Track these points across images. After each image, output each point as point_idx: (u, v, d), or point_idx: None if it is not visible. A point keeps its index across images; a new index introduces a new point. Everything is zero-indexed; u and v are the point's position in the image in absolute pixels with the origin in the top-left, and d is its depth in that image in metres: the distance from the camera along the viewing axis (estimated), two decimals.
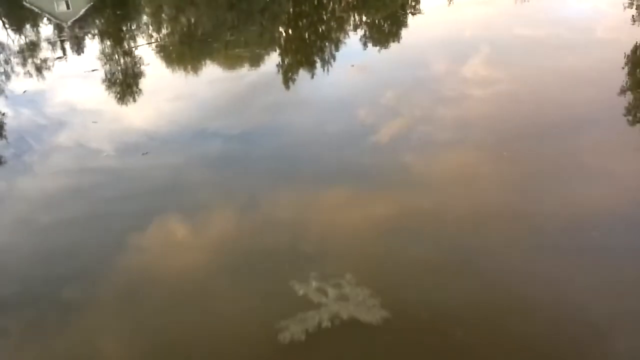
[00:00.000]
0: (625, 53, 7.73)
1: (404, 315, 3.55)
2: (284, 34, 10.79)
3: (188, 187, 5.29)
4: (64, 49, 10.71)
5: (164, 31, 11.90)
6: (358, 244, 4.29)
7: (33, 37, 11.96)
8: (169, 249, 4.44)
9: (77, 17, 13.21)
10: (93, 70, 8.93)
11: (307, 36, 10.47)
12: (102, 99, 7.86)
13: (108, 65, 9.37)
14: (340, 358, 3.35)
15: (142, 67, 9.20)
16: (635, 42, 8.08)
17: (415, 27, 10.48)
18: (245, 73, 8.58)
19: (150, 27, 12.17)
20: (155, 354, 3.50)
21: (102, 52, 10.26)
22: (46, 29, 12.80)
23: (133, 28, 12.32)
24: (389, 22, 10.95)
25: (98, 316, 3.79)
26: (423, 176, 5.16)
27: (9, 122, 7.14)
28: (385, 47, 9.35)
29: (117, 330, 3.69)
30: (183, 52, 10.03)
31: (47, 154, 6.18)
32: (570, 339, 3.34)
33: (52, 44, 11.14)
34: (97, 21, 13.19)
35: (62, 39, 11.39)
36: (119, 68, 9.32)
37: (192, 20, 12.18)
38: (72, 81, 8.95)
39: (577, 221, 4.36)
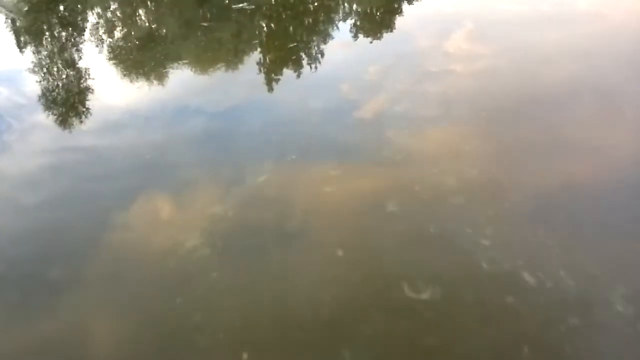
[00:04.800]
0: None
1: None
2: (265, 29, 9.77)
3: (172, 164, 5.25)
4: None
5: (117, 34, 9.98)
6: (343, 220, 4.32)
7: None
8: (154, 227, 4.43)
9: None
10: None
11: (291, 30, 9.66)
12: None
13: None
14: None
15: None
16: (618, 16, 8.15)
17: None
18: (219, 81, 7.50)
19: (101, 29, 10.15)
20: (141, 332, 3.52)
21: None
22: None
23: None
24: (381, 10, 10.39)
25: (84, 296, 3.79)
26: (407, 152, 5.18)
27: None
28: (377, 37, 8.85)
29: (103, 310, 3.70)
30: (141, 60, 8.49)
31: (27, 132, 6.07)
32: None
33: None
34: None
35: None
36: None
37: (152, 19, 10.57)
38: None
39: (557, 195, 4.44)
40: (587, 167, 4.76)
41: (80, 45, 8.94)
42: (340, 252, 3.97)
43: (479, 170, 4.84)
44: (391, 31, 8.79)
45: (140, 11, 10.90)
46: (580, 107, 5.75)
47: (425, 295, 3.56)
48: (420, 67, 7.01)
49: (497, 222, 4.18)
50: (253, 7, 9.43)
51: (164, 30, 9.77)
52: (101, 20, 10.42)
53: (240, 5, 9.40)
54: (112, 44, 9.09)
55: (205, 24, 8.95)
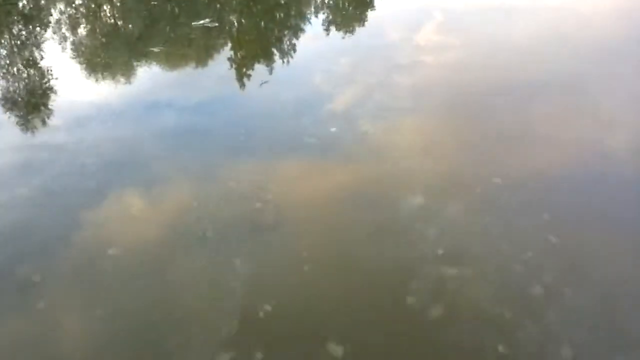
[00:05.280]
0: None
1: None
2: (235, 24, 9.65)
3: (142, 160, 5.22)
4: None
5: (81, 32, 9.57)
6: (316, 214, 4.34)
7: None
8: (125, 224, 4.37)
9: None
10: None
11: (263, 25, 9.56)
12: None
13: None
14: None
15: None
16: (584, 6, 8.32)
17: None
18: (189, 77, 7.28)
19: (63, 27, 9.73)
20: (114, 328, 3.50)
21: None
22: None
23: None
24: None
25: (56, 294, 3.75)
26: (378, 144, 5.20)
27: None
28: (349, 30, 8.90)
29: (76, 307, 3.64)
30: (107, 60, 8.19)
31: None
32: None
33: None
34: None
35: None
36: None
37: (118, 16, 10.20)
38: None
39: (523, 184, 4.51)
40: (553, 156, 4.86)
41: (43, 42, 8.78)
42: (306, 251, 4.01)
43: (447, 160, 4.89)
44: (362, 24, 8.85)
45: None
46: (547, 97, 5.87)
47: None
48: (391, 59, 7.07)
49: (465, 213, 4.28)
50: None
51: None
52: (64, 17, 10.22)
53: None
54: (77, 41, 8.94)
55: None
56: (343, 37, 8.26)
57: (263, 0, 10.21)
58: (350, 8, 9.77)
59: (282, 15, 9.67)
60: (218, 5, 9.92)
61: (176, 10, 9.75)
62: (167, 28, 9.18)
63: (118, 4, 10.63)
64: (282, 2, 10.25)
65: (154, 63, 7.69)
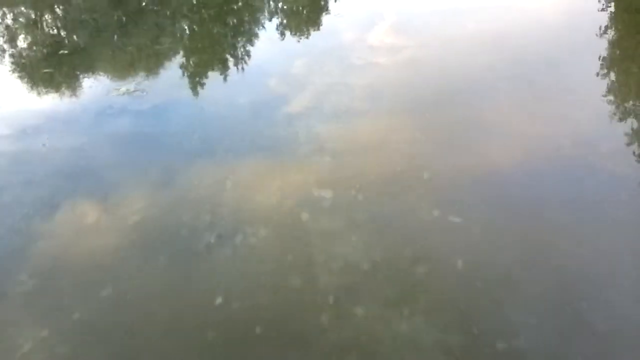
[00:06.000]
0: None
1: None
2: (187, 31, 9.37)
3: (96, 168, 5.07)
4: None
5: (20, 44, 8.90)
6: (274, 217, 4.31)
7: None
8: (81, 234, 4.23)
9: None
10: None
11: (215, 30, 9.30)
12: None
13: None
14: None
15: None
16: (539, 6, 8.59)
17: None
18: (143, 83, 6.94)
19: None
20: (73, 339, 3.39)
21: None
22: None
23: None
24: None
25: (10, 309, 3.60)
26: (336, 145, 5.20)
27: None
28: (305, 35, 8.74)
29: (32, 320, 3.52)
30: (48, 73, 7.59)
31: None
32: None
33: None
34: None
35: None
36: None
37: (60, 25, 9.65)
38: None
39: (476, 179, 4.63)
40: (507, 151, 4.97)
41: None
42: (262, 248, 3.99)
43: (404, 160, 4.94)
44: (317, 28, 8.87)
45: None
46: (499, 94, 6.01)
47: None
48: (345, 60, 7.11)
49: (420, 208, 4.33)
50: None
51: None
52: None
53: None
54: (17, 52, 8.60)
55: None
56: (298, 41, 8.26)
57: (215, 6, 10.09)
58: (305, 12, 9.79)
59: (235, 21, 9.59)
60: (168, 13, 9.71)
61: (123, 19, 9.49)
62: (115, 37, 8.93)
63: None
64: (235, 7, 10.17)
65: (105, 71, 7.50)
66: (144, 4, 9.90)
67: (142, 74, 7.14)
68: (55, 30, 9.57)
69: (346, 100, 6.02)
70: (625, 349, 3.16)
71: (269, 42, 8.24)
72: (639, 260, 3.73)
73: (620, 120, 5.43)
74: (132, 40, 8.55)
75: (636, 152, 4.86)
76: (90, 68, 7.57)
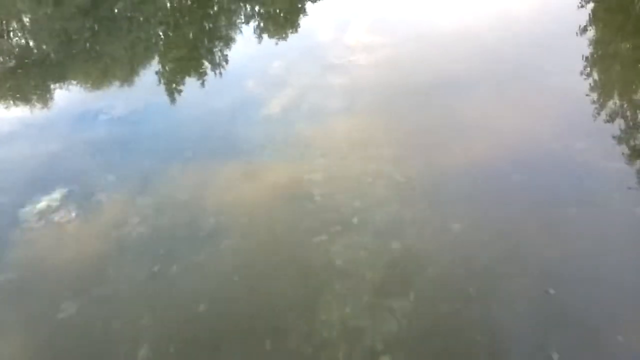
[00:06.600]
0: None
1: None
2: (162, 37, 9.23)
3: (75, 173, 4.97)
4: None
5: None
6: (255, 218, 4.26)
7: None
8: (59, 241, 4.15)
9: None
10: None
11: (191, 36, 9.16)
12: None
13: None
14: None
15: None
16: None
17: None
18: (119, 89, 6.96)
19: None
20: (52, 347, 3.30)
21: None
22: None
23: None
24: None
25: None
26: (315, 144, 5.18)
27: None
28: (281, 36, 8.74)
29: (11, 329, 3.43)
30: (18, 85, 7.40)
31: None
32: None
33: None
34: None
35: None
36: None
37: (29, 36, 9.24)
38: None
39: (454, 175, 4.63)
40: (483, 146, 4.98)
41: None
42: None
43: (384, 157, 4.93)
44: (295, 30, 8.82)
45: None
46: (475, 90, 6.03)
47: None
48: (323, 60, 7.08)
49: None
50: None
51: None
52: None
53: None
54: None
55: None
56: (277, 43, 8.21)
57: (190, 11, 10.00)
58: (282, 14, 9.74)
59: (211, 25, 9.51)
60: (141, 19, 9.57)
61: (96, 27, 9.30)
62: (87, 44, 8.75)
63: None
64: (211, 12, 10.08)
65: (84, 78, 7.34)
66: (116, 10, 9.70)
67: (115, 82, 7.03)
68: (23, 40, 9.35)
69: (323, 98, 6.00)
70: None
71: (247, 45, 8.17)
72: None
73: (599, 116, 5.42)
74: (105, 48, 8.38)
75: (610, 145, 4.88)
76: (61, 78, 7.41)
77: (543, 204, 4.19)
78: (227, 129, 5.53)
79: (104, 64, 7.89)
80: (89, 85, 7.16)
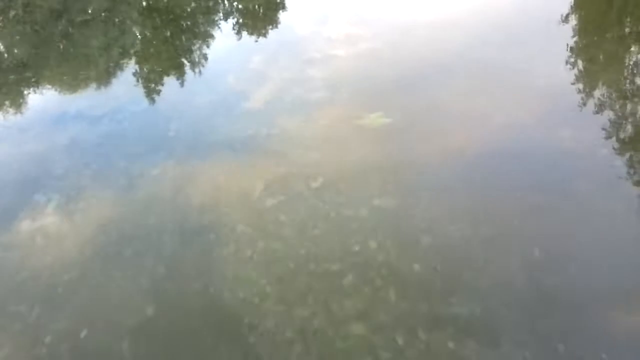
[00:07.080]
0: None
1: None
2: (139, 37, 9.04)
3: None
4: None
5: None
6: (241, 214, 4.22)
7: None
8: (41, 243, 4.09)
9: None
10: None
11: (169, 34, 9.01)
12: None
13: None
14: None
15: None
16: None
17: None
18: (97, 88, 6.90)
19: None
20: (36, 351, 3.24)
21: None
22: None
23: None
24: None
25: None
26: (298, 138, 5.15)
27: None
28: (260, 31, 8.60)
29: None
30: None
31: None
32: None
33: None
34: None
35: None
36: None
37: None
38: None
39: (438, 166, 4.61)
40: (468, 134, 4.97)
41: None
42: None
43: (368, 150, 4.91)
44: (275, 25, 8.76)
45: None
46: (456, 80, 6.01)
47: None
48: (304, 54, 7.04)
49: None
50: None
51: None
52: None
53: None
54: None
55: None
56: (257, 40, 8.14)
57: (166, 10, 9.87)
58: (261, 10, 9.66)
59: (189, 23, 9.41)
60: (117, 20, 9.41)
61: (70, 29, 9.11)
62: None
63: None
64: (188, 9, 9.95)
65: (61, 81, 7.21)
66: (90, 11, 9.53)
67: (92, 84, 6.92)
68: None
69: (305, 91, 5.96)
70: None
71: (227, 41, 8.10)
72: None
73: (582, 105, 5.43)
74: (79, 51, 8.22)
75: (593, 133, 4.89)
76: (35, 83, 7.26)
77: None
78: (208, 125, 5.48)
79: (77, 65, 7.77)
80: (63, 88, 7.05)
